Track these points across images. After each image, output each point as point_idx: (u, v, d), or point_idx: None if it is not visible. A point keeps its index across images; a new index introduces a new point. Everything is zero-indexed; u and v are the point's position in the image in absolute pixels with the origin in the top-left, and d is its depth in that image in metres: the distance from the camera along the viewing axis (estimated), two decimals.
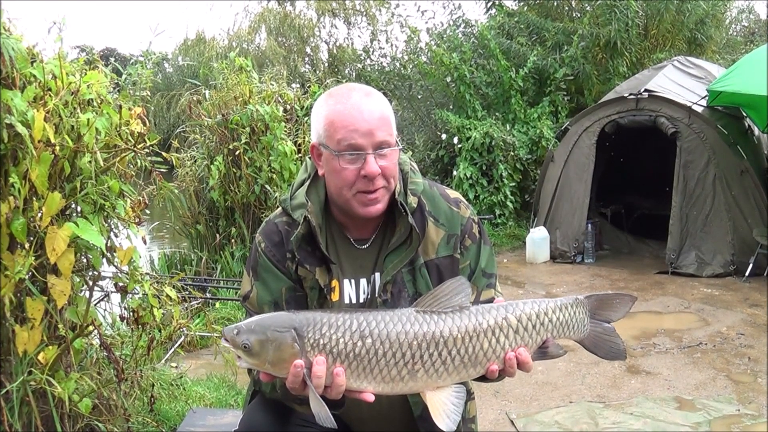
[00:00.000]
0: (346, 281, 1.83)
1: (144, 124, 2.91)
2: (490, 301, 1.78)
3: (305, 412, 1.75)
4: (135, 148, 2.74)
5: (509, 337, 1.57)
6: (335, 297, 1.80)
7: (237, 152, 6.40)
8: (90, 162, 2.64)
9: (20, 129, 2.36)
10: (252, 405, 1.88)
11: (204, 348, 4.99)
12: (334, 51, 20.66)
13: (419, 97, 11.27)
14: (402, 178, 1.85)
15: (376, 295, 1.80)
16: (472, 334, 1.54)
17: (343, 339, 1.50)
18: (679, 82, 7.95)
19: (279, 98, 6.86)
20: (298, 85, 13.03)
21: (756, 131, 7.91)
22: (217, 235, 6.82)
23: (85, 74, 2.80)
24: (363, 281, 1.84)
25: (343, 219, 1.85)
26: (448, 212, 1.88)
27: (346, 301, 1.82)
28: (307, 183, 1.86)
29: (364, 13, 20.00)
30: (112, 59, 3.42)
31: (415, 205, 1.82)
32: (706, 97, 7.36)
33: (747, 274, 6.84)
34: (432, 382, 1.53)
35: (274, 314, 1.60)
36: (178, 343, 4.45)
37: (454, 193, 1.95)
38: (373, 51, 12.42)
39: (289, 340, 1.49)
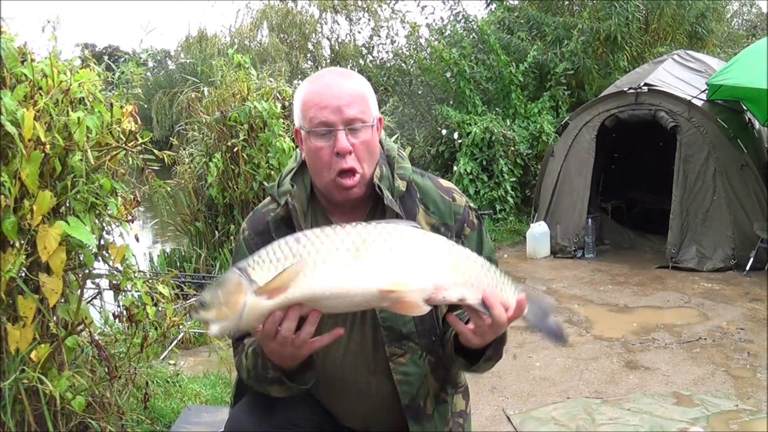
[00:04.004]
0: None
1: (136, 121, 2.91)
2: None
3: (280, 394, 1.74)
4: (126, 146, 2.74)
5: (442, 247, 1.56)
6: None
7: (235, 149, 6.39)
8: (81, 160, 2.64)
9: (9, 128, 2.37)
10: (237, 406, 1.87)
11: (202, 345, 4.99)
12: (336, 47, 20.67)
13: (419, 92, 11.25)
14: (389, 164, 1.84)
15: None
16: (405, 231, 1.54)
17: (281, 250, 1.49)
18: (678, 76, 7.91)
19: (278, 95, 6.85)
20: (300, 82, 13.00)
21: (756, 125, 7.87)
22: (216, 232, 6.82)
23: (77, 73, 2.80)
24: None
25: (329, 206, 1.84)
26: (440, 201, 1.86)
27: None
28: (294, 170, 1.86)
29: (366, 9, 19.98)
30: (106, 57, 3.41)
31: (404, 189, 1.81)
32: (706, 91, 7.33)
33: (747, 268, 6.81)
34: (383, 271, 1.48)
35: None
36: (176, 340, 4.46)
37: (447, 183, 1.93)
38: (373, 47, 12.39)
39: (234, 276, 1.49)
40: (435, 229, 1.82)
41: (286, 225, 1.79)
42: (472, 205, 1.92)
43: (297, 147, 1.88)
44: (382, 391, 1.83)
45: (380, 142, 1.85)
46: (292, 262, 1.46)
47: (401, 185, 1.81)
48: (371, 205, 1.83)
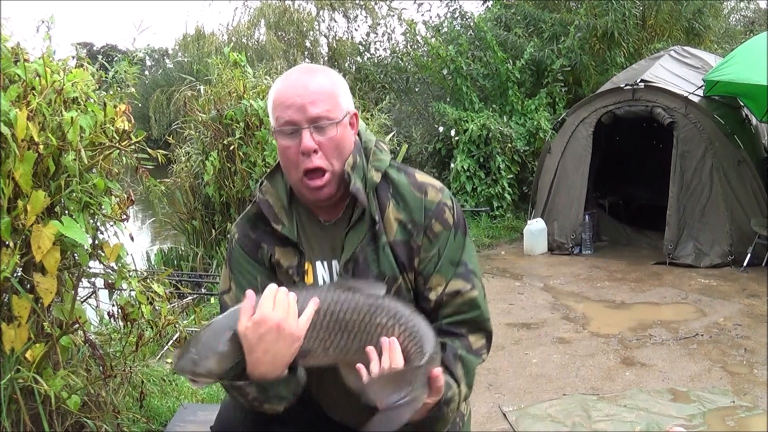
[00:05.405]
0: (318, 263, 1.77)
1: (130, 121, 2.91)
2: (456, 293, 1.74)
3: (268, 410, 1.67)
4: (119, 146, 2.74)
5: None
6: (309, 280, 1.76)
7: (231, 147, 6.39)
8: (75, 160, 2.64)
9: (3, 128, 2.36)
10: (227, 402, 1.86)
11: None
12: (334, 45, 20.62)
13: (416, 90, 11.23)
14: (365, 155, 1.79)
15: (338, 275, 1.75)
16: (367, 325, 1.58)
17: None
18: (675, 72, 7.92)
19: None
20: None
21: (753, 121, 7.88)
22: (213, 231, 6.83)
23: (70, 72, 2.79)
24: (335, 263, 1.77)
25: (307, 203, 1.82)
26: (409, 196, 1.77)
27: (320, 283, 1.76)
28: (272, 168, 1.86)
29: (363, 6, 19.95)
30: (100, 56, 3.40)
31: (378, 180, 1.76)
32: (703, 87, 7.33)
33: (745, 264, 6.83)
34: (342, 358, 1.59)
35: (214, 327, 1.59)
36: (173, 339, 4.45)
37: (424, 178, 1.83)
38: (369, 45, 12.38)
39: (238, 350, 1.55)
40: (403, 225, 1.75)
41: (264, 222, 1.79)
42: (450, 203, 1.79)
43: None
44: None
45: (359, 134, 1.81)
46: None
47: (375, 176, 1.76)
48: (349, 202, 1.78)
